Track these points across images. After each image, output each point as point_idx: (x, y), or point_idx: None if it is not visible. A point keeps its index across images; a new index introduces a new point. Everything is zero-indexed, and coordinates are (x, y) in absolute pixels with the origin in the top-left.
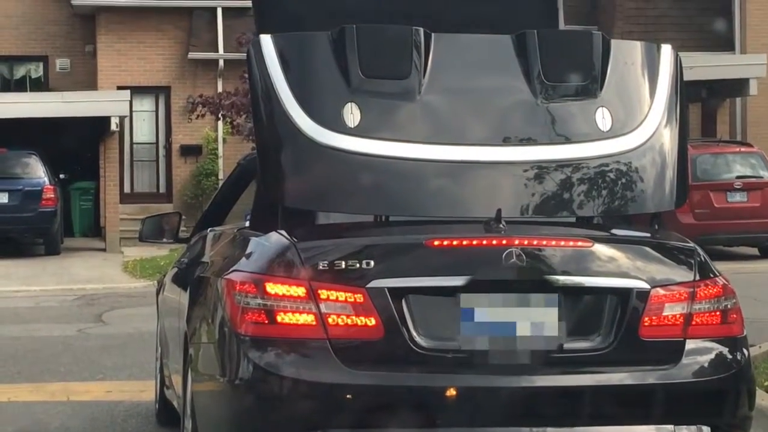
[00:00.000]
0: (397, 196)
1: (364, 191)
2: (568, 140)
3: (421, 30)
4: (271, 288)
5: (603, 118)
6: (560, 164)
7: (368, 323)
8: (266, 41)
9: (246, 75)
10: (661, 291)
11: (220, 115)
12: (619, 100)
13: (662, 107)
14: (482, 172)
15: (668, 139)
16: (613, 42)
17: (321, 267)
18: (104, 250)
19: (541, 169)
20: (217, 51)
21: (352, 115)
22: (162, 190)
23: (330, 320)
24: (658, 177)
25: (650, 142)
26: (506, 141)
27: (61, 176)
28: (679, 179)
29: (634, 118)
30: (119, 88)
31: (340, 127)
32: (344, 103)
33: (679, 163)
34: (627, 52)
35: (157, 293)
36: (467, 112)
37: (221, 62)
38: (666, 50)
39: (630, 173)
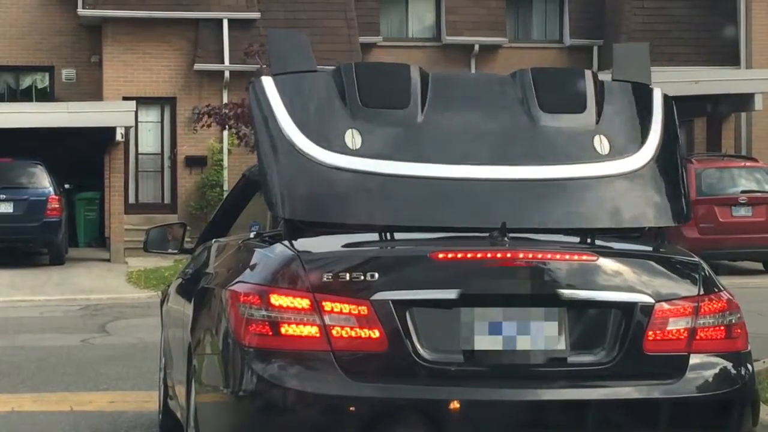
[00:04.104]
0: (397, 206)
1: (364, 203)
2: (567, 161)
3: (418, 67)
4: (276, 300)
5: (601, 144)
6: (561, 181)
7: (372, 335)
8: (267, 81)
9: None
10: (665, 305)
11: (226, 126)
12: (616, 130)
13: (659, 135)
14: (482, 188)
15: (667, 164)
16: (606, 82)
17: (325, 279)
18: (108, 260)
19: (542, 187)
20: (223, 62)
21: (353, 139)
22: (167, 200)
23: (334, 332)
24: (661, 195)
25: (649, 165)
26: (506, 161)
27: (66, 186)
28: (681, 197)
29: (632, 145)
30: (125, 98)
31: (342, 149)
32: (345, 129)
33: (681, 185)
34: (620, 89)
35: (161, 304)
36: (466, 136)
37: (227, 74)
38: (657, 92)
39: (632, 191)
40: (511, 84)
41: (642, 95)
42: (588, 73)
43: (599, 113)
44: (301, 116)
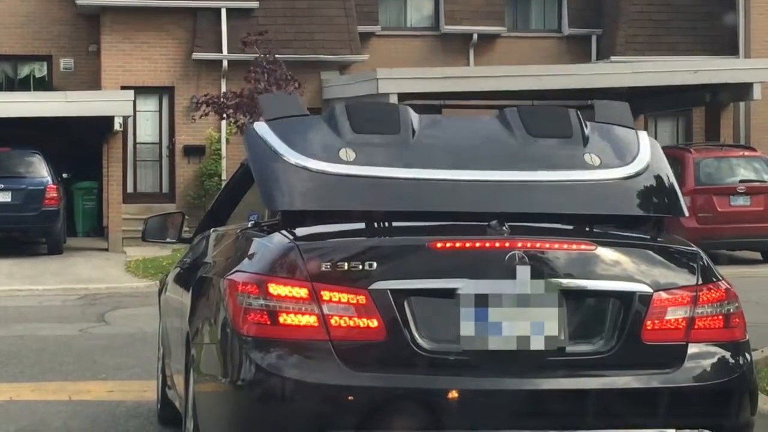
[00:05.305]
0: (392, 196)
1: (360, 195)
2: (560, 169)
3: (408, 107)
4: (274, 289)
5: (591, 159)
6: (555, 182)
7: (370, 325)
8: (260, 125)
9: (251, 73)
10: (663, 295)
11: (224, 115)
12: (604, 151)
13: (648, 153)
14: (477, 186)
15: (660, 173)
16: (590, 122)
17: (324, 268)
18: (107, 249)
19: (536, 187)
20: (221, 52)
21: (347, 154)
22: (165, 190)
23: (332, 321)
24: (655, 193)
25: (642, 173)
26: (500, 167)
27: (65, 176)
28: (676, 195)
29: (623, 160)
30: (123, 88)
31: (336, 161)
32: (339, 148)
33: (675, 188)
34: (605, 126)
35: (160, 293)
36: (459, 151)
37: (225, 63)
38: (642, 132)
39: (627, 190)
40: (497, 118)
41: (626, 132)
42: (571, 110)
43: (586, 139)
44: (295, 142)
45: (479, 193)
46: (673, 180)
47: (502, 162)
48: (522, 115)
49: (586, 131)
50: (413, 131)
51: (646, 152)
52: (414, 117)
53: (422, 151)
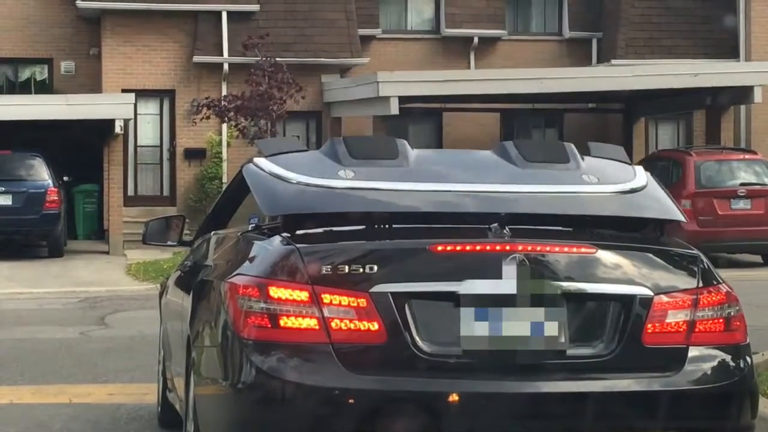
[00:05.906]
0: (392, 199)
1: (358, 203)
2: (560, 184)
3: (405, 141)
4: (274, 292)
5: (589, 178)
6: (555, 193)
7: (371, 328)
8: (260, 160)
9: (252, 75)
10: (664, 298)
11: (225, 118)
12: (602, 174)
13: (645, 175)
14: (476, 195)
15: (656, 192)
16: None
17: (324, 271)
18: (107, 252)
19: (537, 197)
20: (222, 55)
21: (345, 173)
22: (166, 193)
23: (333, 324)
24: (656, 202)
25: (641, 188)
26: (500, 182)
27: (65, 179)
28: (674, 205)
29: (621, 179)
30: (124, 91)
31: (336, 179)
32: (338, 170)
33: (673, 201)
34: (601, 159)
35: (160, 296)
36: (455, 171)
37: (226, 66)
38: (639, 167)
39: (628, 199)
40: (494, 150)
41: (622, 164)
42: (567, 143)
43: (582, 164)
44: (295, 169)
45: (479, 200)
46: (670, 197)
47: (502, 179)
48: (518, 145)
49: (582, 160)
50: (411, 158)
51: (642, 177)
52: (410, 148)
53: (421, 172)
